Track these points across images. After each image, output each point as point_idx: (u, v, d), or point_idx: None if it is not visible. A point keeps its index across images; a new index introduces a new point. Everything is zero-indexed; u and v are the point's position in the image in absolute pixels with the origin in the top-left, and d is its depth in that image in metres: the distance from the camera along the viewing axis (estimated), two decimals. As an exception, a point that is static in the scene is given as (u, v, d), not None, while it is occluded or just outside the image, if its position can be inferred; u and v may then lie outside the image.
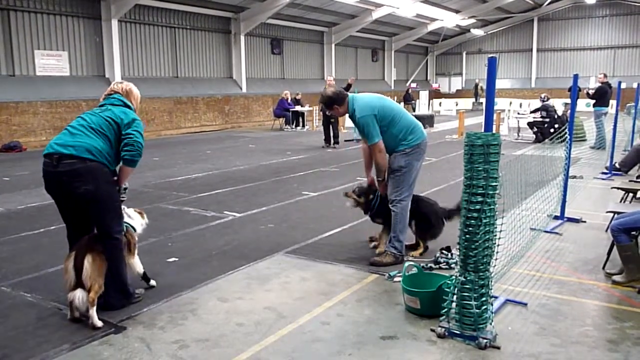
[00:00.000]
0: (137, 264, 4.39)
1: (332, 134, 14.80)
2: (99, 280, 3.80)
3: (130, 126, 3.97)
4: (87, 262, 3.75)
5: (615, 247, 4.70)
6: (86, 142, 3.84)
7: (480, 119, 16.17)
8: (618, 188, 6.80)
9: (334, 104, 5.14)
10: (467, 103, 32.65)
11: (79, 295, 3.74)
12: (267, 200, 8.09)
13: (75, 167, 3.77)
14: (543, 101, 15.57)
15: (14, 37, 15.49)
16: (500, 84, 34.64)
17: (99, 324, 3.76)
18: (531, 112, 16.65)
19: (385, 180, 5.22)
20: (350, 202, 5.56)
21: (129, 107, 4.13)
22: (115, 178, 4.05)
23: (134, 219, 4.47)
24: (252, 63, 24.13)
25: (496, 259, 3.71)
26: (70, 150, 3.79)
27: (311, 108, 21.54)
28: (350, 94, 5.16)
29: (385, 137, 5.02)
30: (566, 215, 6.69)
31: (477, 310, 3.49)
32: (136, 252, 4.40)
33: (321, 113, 15.80)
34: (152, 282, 4.51)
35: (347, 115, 5.24)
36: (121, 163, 4.02)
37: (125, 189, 4.19)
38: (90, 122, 3.95)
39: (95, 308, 3.76)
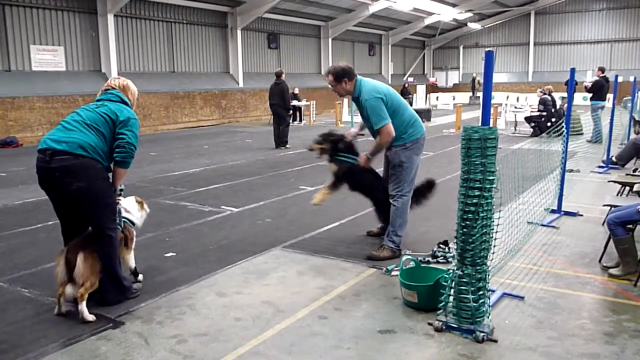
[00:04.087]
0: (130, 260, 4.36)
1: (280, 135, 13.87)
2: (91, 279, 3.79)
3: (125, 125, 3.91)
4: (79, 260, 3.74)
5: (611, 241, 4.71)
6: (80, 138, 3.79)
7: (478, 113, 16.13)
8: (615, 182, 6.82)
9: (344, 77, 5.04)
10: (464, 97, 32.63)
11: (67, 291, 3.75)
12: (265, 194, 8.09)
13: (67, 163, 3.73)
14: (544, 94, 15.53)
15: (10, 32, 15.42)
16: (497, 77, 34.61)
17: (90, 317, 3.76)
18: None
19: (372, 158, 5.22)
20: (316, 152, 5.53)
21: (125, 103, 4.08)
22: (110, 174, 4.00)
23: (132, 212, 4.42)
24: (249, 58, 24.07)
25: (493, 253, 3.71)
26: (63, 146, 3.75)
27: (308, 103, 21.53)
28: (358, 77, 5.09)
29: None
30: (563, 208, 6.71)
31: (475, 304, 3.50)
32: (133, 247, 4.37)
33: (272, 115, 14.27)
34: (140, 277, 4.49)
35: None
36: (113, 164, 3.98)
37: (121, 190, 4.16)
38: (85, 117, 3.90)
39: (84, 303, 3.75)
